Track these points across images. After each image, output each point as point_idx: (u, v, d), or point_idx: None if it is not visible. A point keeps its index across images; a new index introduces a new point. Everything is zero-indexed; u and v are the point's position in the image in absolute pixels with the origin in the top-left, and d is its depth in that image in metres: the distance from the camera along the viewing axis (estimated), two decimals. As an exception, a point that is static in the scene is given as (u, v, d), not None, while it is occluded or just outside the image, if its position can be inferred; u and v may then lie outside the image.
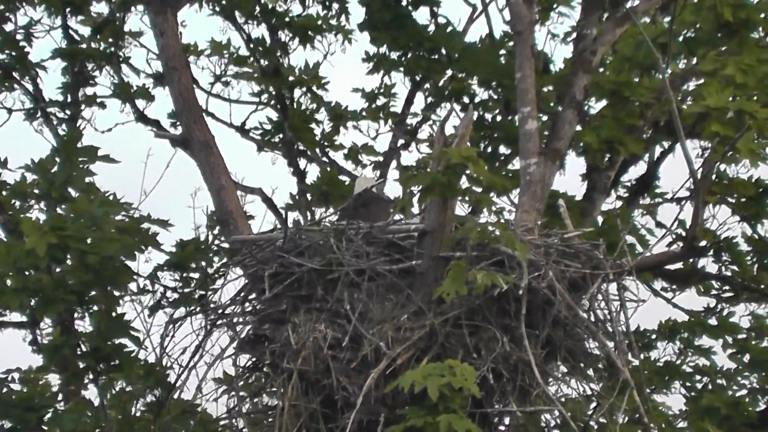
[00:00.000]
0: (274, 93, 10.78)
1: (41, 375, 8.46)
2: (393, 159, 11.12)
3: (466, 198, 7.30)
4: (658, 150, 9.83)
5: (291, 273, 7.25)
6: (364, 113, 11.16)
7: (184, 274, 8.59)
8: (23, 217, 7.85)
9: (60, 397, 8.12)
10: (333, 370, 6.85)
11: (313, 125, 10.93)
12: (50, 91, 10.24)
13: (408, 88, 10.97)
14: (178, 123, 9.91)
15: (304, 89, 10.92)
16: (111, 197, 7.79)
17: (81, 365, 7.75)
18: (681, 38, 8.74)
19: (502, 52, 10.40)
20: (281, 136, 10.77)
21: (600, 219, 9.27)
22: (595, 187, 9.14)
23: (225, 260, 8.46)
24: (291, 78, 10.77)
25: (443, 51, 10.29)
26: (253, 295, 7.54)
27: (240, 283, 7.63)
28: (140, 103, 10.45)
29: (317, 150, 11.00)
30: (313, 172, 10.93)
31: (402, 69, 10.52)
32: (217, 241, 8.85)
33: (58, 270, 7.55)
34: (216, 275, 8.29)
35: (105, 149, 7.89)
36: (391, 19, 10.03)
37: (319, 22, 10.64)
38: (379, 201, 8.08)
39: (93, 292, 7.67)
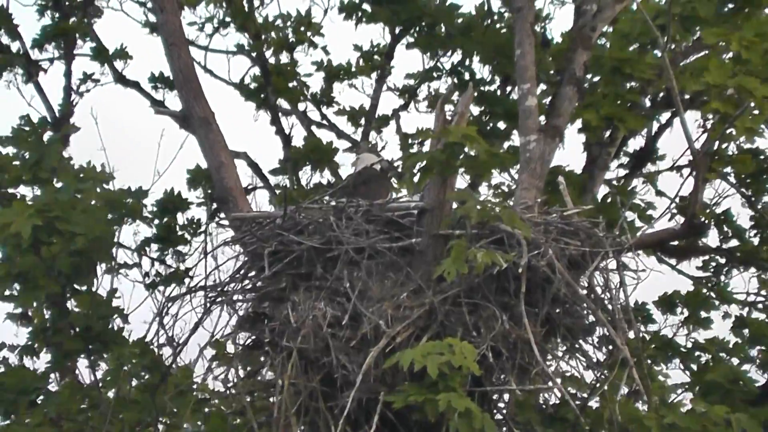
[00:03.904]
0: (255, 55, 10.87)
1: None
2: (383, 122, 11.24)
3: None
4: (655, 124, 9.84)
5: (290, 251, 7.24)
6: (354, 69, 11.20)
7: (171, 249, 8.63)
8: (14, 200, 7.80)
9: (52, 377, 8.13)
10: (332, 349, 6.85)
11: (296, 84, 11.00)
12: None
13: (387, 42, 11.07)
14: (158, 86, 10.01)
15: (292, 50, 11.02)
16: (92, 168, 7.84)
17: (72, 345, 7.76)
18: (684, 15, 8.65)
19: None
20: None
21: (600, 195, 9.26)
22: (595, 162, 9.12)
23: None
24: (271, 37, 10.88)
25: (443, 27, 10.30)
26: (253, 273, 7.53)
27: (234, 260, 7.64)
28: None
29: (300, 107, 11.09)
30: (298, 136, 11.09)
31: (381, 21, 10.53)
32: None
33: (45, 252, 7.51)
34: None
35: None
36: None
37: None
38: (379, 179, 8.07)
39: (80, 274, 7.68)
